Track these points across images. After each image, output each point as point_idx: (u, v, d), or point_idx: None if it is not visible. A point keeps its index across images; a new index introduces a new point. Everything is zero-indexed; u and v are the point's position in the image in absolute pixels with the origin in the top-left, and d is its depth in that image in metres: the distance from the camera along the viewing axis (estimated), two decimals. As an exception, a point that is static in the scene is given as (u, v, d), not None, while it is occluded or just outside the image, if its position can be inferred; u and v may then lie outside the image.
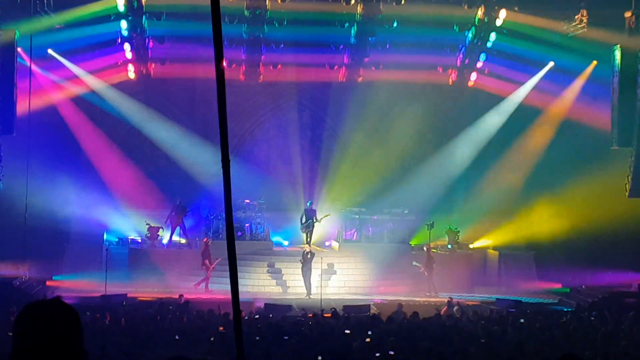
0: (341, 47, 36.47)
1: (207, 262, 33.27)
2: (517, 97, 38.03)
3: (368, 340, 18.48)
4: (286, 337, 18.48)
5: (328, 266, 32.83)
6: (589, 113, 34.80)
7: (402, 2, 33.04)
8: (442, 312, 25.65)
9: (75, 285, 31.49)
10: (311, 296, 31.60)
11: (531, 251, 36.42)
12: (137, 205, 36.44)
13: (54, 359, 3.69)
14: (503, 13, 34.17)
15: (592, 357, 16.45)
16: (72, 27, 32.97)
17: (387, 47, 35.53)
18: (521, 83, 37.69)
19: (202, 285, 33.15)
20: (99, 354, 15.20)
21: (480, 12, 34.39)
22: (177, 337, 18.65)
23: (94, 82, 36.31)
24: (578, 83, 36.32)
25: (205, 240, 34.19)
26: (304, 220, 35.35)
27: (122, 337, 18.42)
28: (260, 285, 33.12)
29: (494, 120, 38.52)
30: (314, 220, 35.24)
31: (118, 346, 16.93)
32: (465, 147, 38.71)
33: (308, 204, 36.30)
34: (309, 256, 32.42)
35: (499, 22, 34.60)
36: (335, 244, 36.51)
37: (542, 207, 36.17)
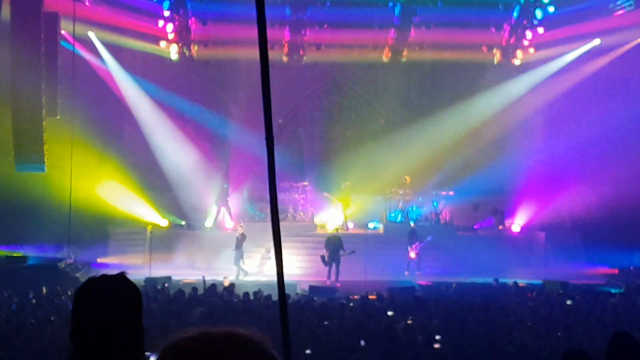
0: (385, 27, 36.14)
1: None
2: (552, 68, 37.54)
3: (409, 322, 18.38)
4: (326, 323, 18.36)
5: (372, 248, 32.71)
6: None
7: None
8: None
9: (119, 267, 31.54)
10: (244, 278, 30.92)
11: (577, 231, 36.00)
12: (182, 188, 36.43)
13: (114, 335, 3.59)
14: None
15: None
16: (114, 8, 33.13)
17: (431, 27, 35.20)
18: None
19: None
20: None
21: None
22: (223, 319, 18.62)
23: (134, 63, 36.45)
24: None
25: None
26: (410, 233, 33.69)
27: (166, 319, 18.42)
28: (303, 267, 32.98)
29: (521, 89, 38.01)
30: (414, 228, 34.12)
31: (161, 328, 16.91)
32: (502, 124, 38.12)
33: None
34: (240, 238, 32.03)
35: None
36: (380, 226, 36.38)
37: (585, 184, 35.64)
